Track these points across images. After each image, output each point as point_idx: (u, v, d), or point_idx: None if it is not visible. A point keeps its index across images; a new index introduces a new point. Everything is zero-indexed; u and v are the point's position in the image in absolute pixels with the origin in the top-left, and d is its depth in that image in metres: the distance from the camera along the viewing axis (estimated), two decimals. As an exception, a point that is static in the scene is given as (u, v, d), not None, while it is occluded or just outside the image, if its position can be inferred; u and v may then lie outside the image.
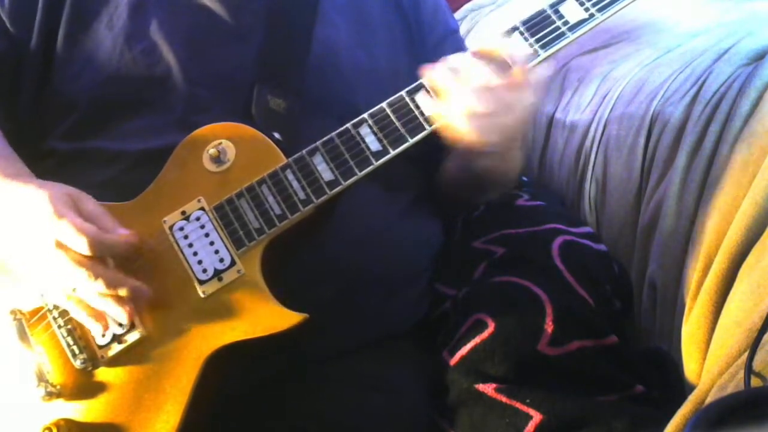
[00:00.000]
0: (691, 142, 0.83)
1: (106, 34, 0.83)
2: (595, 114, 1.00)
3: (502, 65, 0.72)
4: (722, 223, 0.73)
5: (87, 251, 0.66)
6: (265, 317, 0.70)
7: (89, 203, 0.71)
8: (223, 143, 0.75)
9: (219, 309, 0.70)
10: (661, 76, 0.93)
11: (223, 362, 0.70)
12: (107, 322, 0.70)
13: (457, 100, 0.71)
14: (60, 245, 0.66)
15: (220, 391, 0.72)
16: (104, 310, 0.69)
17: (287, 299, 0.70)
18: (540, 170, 1.12)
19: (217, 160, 0.75)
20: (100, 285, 0.67)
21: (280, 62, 0.83)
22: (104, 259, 0.68)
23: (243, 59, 0.83)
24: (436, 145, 0.77)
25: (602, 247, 0.87)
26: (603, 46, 1.09)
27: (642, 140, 0.91)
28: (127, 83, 0.82)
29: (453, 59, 0.73)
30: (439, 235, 0.92)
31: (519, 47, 0.73)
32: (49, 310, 0.73)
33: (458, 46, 0.97)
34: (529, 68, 0.73)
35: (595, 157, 0.98)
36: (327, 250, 0.78)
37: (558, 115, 1.07)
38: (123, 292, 0.68)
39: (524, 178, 1.04)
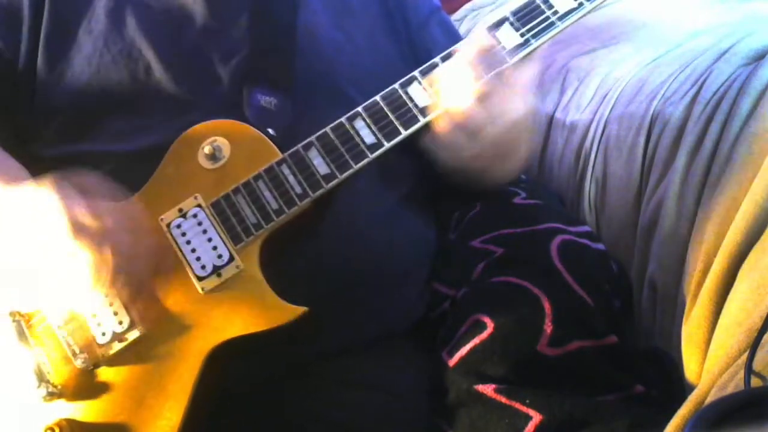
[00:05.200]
0: (691, 142, 0.83)
1: (86, 38, 0.83)
2: (595, 114, 1.00)
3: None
4: (722, 223, 0.72)
5: (110, 256, 0.66)
6: (264, 311, 0.70)
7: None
8: (218, 140, 0.75)
9: (218, 305, 0.70)
10: (661, 76, 0.93)
11: (224, 359, 0.70)
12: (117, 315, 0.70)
13: (472, 82, 0.73)
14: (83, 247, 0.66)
15: (222, 388, 0.72)
16: (113, 303, 0.70)
17: (285, 296, 0.70)
18: (540, 170, 1.11)
19: (213, 157, 0.75)
20: (118, 282, 0.67)
21: (267, 60, 0.84)
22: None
23: (225, 55, 0.83)
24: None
25: (600, 246, 0.87)
26: (603, 46, 1.09)
27: (642, 140, 0.91)
28: (109, 85, 0.82)
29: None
30: (433, 231, 0.92)
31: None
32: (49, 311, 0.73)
33: (443, 22, 0.99)
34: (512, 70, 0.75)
35: (595, 157, 0.97)
36: (322, 247, 0.78)
37: (558, 114, 1.07)
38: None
39: (522, 176, 1.04)
